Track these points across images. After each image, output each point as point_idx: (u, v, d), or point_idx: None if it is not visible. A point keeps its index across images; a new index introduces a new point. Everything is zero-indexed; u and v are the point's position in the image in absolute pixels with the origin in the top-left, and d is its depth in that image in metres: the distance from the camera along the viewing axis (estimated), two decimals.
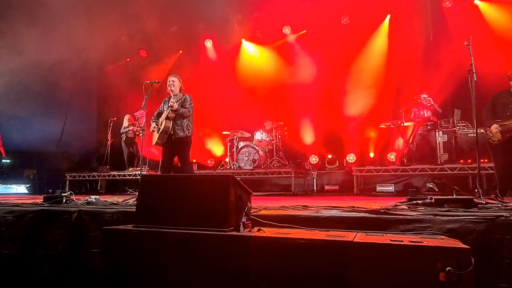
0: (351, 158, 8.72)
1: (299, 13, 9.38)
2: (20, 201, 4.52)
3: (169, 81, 5.41)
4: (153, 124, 5.26)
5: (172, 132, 5.09)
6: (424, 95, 7.41)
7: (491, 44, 7.12)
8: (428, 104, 7.33)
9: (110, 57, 11.14)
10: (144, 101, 5.47)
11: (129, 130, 8.86)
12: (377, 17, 9.01)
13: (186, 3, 9.14)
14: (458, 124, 6.81)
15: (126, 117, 8.89)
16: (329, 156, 8.96)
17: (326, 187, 8.47)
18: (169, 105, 5.08)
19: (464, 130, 6.67)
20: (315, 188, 8.56)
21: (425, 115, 7.33)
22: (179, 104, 5.12)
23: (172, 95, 5.41)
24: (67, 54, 9.06)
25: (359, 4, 8.73)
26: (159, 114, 5.37)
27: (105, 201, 4.26)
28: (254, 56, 10.29)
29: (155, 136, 5.22)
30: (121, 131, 9.00)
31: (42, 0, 7.84)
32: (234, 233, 2.28)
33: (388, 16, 8.95)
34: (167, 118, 5.08)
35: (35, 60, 8.45)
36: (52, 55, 8.60)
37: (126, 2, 8.62)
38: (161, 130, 5.08)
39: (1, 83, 8.53)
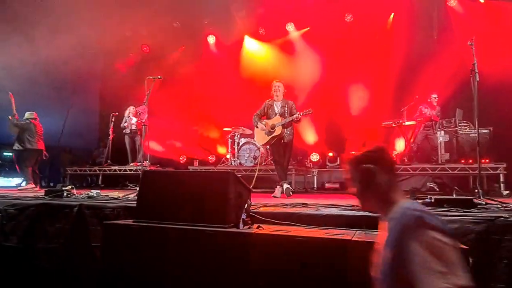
0: None
1: (303, 10, 9.34)
2: (22, 195, 4.54)
3: (275, 86, 5.71)
4: (261, 125, 5.67)
5: (282, 136, 5.57)
6: (434, 95, 7.40)
7: (495, 44, 7.08)
8: (434, 104, 7.35)
9: (113, 52, 11.14)
10: (146, 97, 5.49)
11: (133, 123, 8.86)
12: (381, 15, 8.96)
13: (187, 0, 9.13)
14: (460, 124, 6.80)
15: (131, 108, 8.87)
16: (330, 154, 8.95)
17: (327, 185, 8.46)
18: (295, 116, 5.41)
19: (466, 130, 6.66)
20: (315, 186, 8.56)
21: (430, 114, 7.33)
22: (288, 111, 5.57)
23: (276, 100, 5.75)
24: (70, 48, 9.06)
25: (363, 2, 8.69)
26: (261, 115, 5.77)
27: (106, 195, 4.28)
28: (256, 52, 10.26)
29: (263, 138, 5.70)
30: (122, 125, 8.99)
31: None
32: (234, 229, 2.30)
33: (392, 14, 8.91)
34: (283, 125, 5.51)
35: (36, 54, 8.46)
36: (54, 49, 8.59)
37: None
38: (274, 134, 5.52)
39: (4, 76, 8.55)
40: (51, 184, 9.47)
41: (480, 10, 7.94)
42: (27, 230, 3.62)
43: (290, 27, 9.79)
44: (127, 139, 8.96)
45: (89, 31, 8.82)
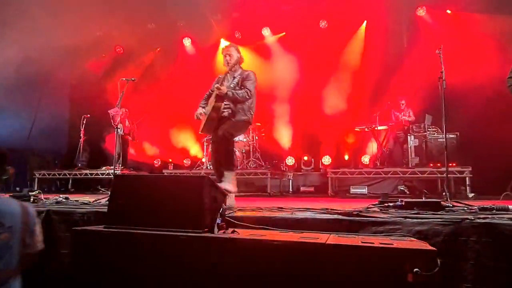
0: (326, 160, 8.84)
1: (279, 15, 9.45)
2: None
3: (225, 52, 4.24)
4: (200, 110, 4.23)
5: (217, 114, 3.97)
6: (402, 102, 7.68)
7: (462, 52, 7.40)
8: (402, 108, 7.63)
9: (85, 52, 10.83)
10: (119, 99, 5.37)
11: (127, 125, 8.69)
12: (354, 23, 9.19)
13: (165, 0, 9.03)
14: (428, 129, 7.05)
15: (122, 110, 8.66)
16: (305, 158, 9.05)
17: (302, 189, 8.55)
18: (216, 87, 3.92)
19: (434, 135, 6.91)
20: (291, 189, 8.63)
21: (402, 119, 7.59)
22: (237, 83, 4.03)
23: (228, 70, 4.26)
24: (39, 48, 8.74)
25: (337, 9, 8.88)
26: (209, 97, 4.27)
27: (75, 200, 4.14)
28: None
29: (202, 124, 4.20)
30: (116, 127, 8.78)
31: None
32: (208, 234, 2.27)
33: (365, 22, 9.15)
34: (215, 103, 3.91)
35: (4, 54, 8.13)
36: (22, 49, 8.29)
37: None
38: (207, 117, 4.04)
39: None
40: (17, 188, 9.05)
41: (448, 20, 8.28)
42: None
43: (266, 31, 9.87)
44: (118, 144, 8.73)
45: (59, 30, 8.54)
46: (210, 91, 4.37)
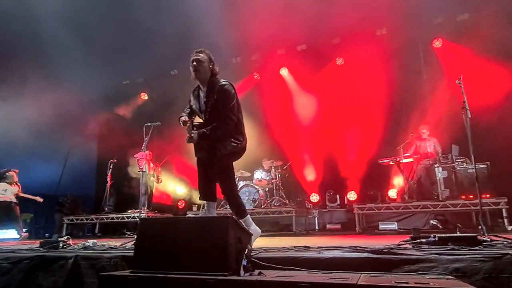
0: (351, 195, 8.65)
1: (296, 56, 9.72)
2: (16, 247, 4.42)
3: (193, 61, 3.55)
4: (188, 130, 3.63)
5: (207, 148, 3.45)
6: (423, 130, 7.54)
7: (484, 80, 7.30)
8: (424, 137, 7.48)
9: (112, 99, 11.41)
10: (144, 143, 5.53)
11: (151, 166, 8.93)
12: (371, 58, 9.29)
13: (185, 47, 9.50)
14: (456, 160, 6.82)
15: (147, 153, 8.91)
16: (330, 194, 8.89)
17: (328, 226, 8.31)
18: (188, 134, 3.48)
19: (463, 166, 6.66)
20: (316, 227, 8.41)
21: (428, 149, 7.40)
22: (215, 100, 3.47)
23: (200, 84, 3.63)
24: (68, 96, 9.26)
25: (353, 47, 9.08)
26: (191, 112, 3.79)
27: (102, 245, 4.17)
28: (254, 95, 10.52)
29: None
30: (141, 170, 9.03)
31: (44, 45, 8.16)
32: (234, 277, 2.22)
33: (381, 56, 9.24)
34: (199, 134, 3.45)
35: (35, 103, 8.64)
36: (52, 97, 8.79)
37: (127, 46, 8.97)
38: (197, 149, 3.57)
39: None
40: (47, 235, 9.27)
41: (465, 51, 8.24)
42: (20, 285, 3.48)
43: (284, 71, 10.13)
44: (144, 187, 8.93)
45: (87, 79, 9.07)
46: (190, 105, 3.85)
